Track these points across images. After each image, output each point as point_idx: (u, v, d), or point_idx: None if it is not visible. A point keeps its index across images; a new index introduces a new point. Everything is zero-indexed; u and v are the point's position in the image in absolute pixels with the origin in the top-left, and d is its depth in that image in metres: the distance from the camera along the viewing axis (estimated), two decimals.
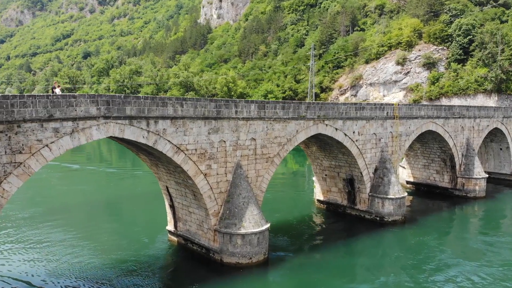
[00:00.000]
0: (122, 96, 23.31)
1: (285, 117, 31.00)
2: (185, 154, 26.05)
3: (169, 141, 25.25)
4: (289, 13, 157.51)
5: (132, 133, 23.79)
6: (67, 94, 22.21)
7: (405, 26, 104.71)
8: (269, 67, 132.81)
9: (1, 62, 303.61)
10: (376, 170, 38.47)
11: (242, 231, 27.05)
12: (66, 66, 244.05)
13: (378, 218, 37.74)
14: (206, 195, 27.39)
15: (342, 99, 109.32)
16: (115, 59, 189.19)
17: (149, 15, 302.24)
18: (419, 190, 51.31)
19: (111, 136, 23.63)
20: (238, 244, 27.17)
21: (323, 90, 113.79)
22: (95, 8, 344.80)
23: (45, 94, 21.34)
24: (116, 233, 35.61)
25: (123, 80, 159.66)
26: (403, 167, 53.67)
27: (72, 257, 29.83)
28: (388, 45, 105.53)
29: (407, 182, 52.87)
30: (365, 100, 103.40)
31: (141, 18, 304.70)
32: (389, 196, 37.05)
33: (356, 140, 36.49)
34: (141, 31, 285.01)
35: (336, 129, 34.75)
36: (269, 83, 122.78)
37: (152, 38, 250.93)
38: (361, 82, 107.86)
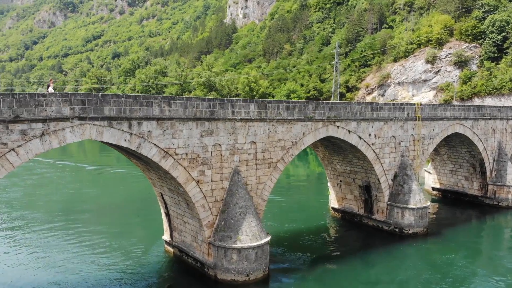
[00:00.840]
0: (99, 95, 20.98)
1: (289, 118, 28.04)
2: (174, 159, 23.50)
3: (155, 144, 22.74)
4: (315, 11, 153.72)
5: (111, 135, 21.41)
6: (37, 93, 20.02)
7: (435, 23, 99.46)
8: (294, 66, 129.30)
9: (34, 62, 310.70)
10: (395, 176, 34.96)
11: (238, 245, 24.30)
12: (95, 67, 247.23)
13: (397, 230, 34.22)
14: (199, 204, 24.77)
15: (369, 99, 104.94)
16: (141, 60, 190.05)
17: (177, 16, 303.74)
18: (446, 197, 47.27)
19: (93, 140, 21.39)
20: (233, 259, 24.43)
21: (349, 89, 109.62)
22: (124, 9, 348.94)
23: (10, 92, 19.22)
24: (111, 242, 33.34)
25: (149, 81, 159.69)
26: (429, 172, 49.77)
27: (61, 267, 27.80)
28: (418, 42, 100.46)
29: (433, 189, 48.91)
30: (393, 100, 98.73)
31: (169, 19, 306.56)
32: (409, 206, 33.51)
33: (373, 144, 33.14)
34: (169, 31, 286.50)
35: (349, 131, 31.52)
36: (293, 82, 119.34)
37: (179, 38, 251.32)
38: (389, 81, 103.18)
